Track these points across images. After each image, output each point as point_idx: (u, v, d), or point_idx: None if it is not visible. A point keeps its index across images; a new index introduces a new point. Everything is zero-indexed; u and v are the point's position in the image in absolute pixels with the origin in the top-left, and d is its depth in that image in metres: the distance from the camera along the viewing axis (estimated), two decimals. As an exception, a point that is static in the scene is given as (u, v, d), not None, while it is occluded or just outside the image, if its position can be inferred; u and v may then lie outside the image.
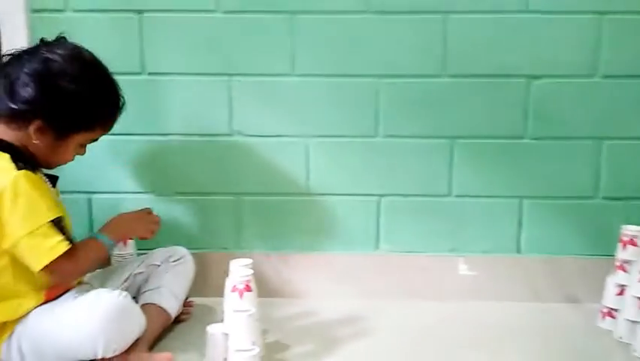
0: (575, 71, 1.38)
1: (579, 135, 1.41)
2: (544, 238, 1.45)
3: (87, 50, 1.14)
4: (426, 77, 1.39)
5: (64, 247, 1.05)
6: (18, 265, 1.07)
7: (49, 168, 1.15)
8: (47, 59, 1.09)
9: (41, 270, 1.05)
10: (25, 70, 1.08)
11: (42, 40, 1.14)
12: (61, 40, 1.14)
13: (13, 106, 1.07)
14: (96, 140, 1.18)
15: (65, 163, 1.17)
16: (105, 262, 1.32)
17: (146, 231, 1.27)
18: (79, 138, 1.14)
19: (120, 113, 1.18)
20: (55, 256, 1.05)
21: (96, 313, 1.06)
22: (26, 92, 1.07)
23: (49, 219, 1.05)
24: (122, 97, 1.17)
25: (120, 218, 1.24)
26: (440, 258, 1.45)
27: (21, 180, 1.04)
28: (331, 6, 1.37)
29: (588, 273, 1.43)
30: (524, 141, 1.42)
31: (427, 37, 1.38)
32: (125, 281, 1.28)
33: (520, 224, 1.44)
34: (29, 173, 1.06)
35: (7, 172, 1.05)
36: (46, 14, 1.37)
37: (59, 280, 1.12)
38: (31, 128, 1.08)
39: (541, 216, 1.44)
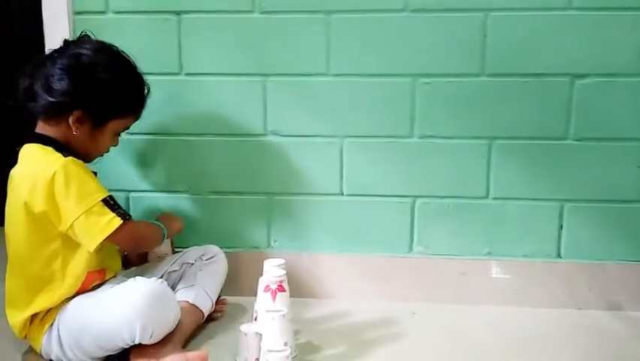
0: (620, 69, 1.33)
1: (624, 136, 1.35)
2: (586, 242, 1.40)
3: (110, 44, 1.21)
4: (464, 77, 1.36)
5: (118, 222, 1.11)
6: (67, 248, 1.13)
7: (89, 160, 1.21)
8: (77, 53, 1.16)
9: (100, 243, 1.11)
10: (58, 66, 1.14)
11: (66, 40, 1.21)
12: (85, 37, 1.22)
13: (52, 99, 1.13)
14: (128, 128, 1.25)
15: (102, 154, 1.23)
16: (143, 259, 1.36)
17: (180, 224, 1.36)
18: (113, 126, 1.20)
19: (147, 99, 1.25)
20: (110, 232, 1.11)
21: (133, 297, 1.09)
22: (62, 85, 1.13)
23: (100, 198, 1.11)
24: (147, 84, 1.24)
25: (160, 219, 1.33)
26: (476, 262, 1.42)
27: (70, 165, 1.10)
28: (367, 5, 1.36)
29: (632, 279, 1.37)
30: (567, 142, 1.37)
31: (465, 35, 1.35)
32: (160, 278, 1.29)
33: (560, 228, 1.40)
34: (75, 159, 1.13)
35: (55, 159, 1.11)
36: (88, 16, 1.41)
37: (123, 248, 1.24)
38: (71, 120, 1.14)
39: (583, 220, 1.39)
